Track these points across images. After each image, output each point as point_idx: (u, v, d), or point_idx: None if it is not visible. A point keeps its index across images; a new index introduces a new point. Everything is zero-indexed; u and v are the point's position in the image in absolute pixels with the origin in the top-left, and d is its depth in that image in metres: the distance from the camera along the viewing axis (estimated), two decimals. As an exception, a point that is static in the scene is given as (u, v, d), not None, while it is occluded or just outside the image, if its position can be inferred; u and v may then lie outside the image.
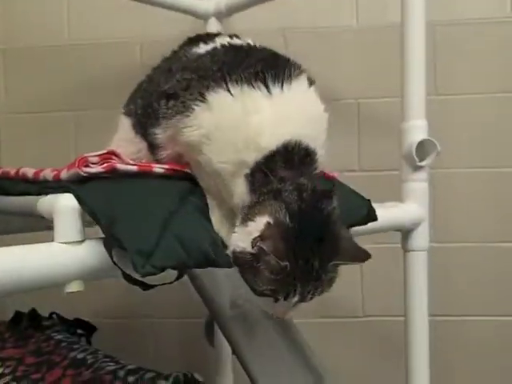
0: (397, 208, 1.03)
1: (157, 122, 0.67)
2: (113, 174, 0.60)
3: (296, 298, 0.59)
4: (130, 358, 1.10)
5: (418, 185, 1.04)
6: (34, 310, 1.21)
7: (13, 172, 0.73)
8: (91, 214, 0.54)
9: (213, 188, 0.65)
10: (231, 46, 0.72)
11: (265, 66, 0.63)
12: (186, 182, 0.65)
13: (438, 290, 1.17)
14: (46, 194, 0.57)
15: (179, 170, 0.66)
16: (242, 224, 0.59)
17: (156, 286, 0.58)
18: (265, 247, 0.55)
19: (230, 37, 0.77)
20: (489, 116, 1.44)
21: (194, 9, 1.35)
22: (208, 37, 0.78)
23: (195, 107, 0.61)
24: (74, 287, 0.53)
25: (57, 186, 0.57)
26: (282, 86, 0.62)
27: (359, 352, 1.50)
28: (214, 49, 0.72)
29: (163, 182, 0.64)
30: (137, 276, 0.54)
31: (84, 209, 0.54)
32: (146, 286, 0.57)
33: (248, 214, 0.59)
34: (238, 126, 0.60)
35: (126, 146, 0.76)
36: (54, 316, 1.26)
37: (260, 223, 0.57)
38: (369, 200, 0.83)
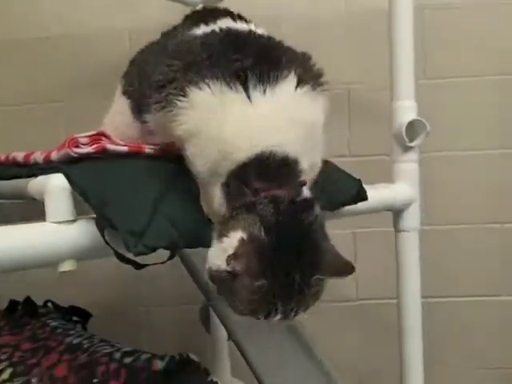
0: (388, 189, 1.04)
1: (148, 109, 0.67)
2: (103, 155, 0.60)
3: (278, 317, 0.56)
4: (125, 345, 1.10)
5: (408, 165, 1.05)
6: (28, 298, 1.21)
7: (3, 157, 0.73)
8: (82, 194, 0.54)
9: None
10: (229, 32, 0.68)
11: (253, 63, 0.60)
12: (177, 163, 0.65)
13: (430, 272, 1.18)
14: (37, 175, 0.57)
15: (170, 151, 0.66)
16: (218, 240, 0.56)
17: (148, 265, 0.58)
18: (238, 267, 0.53)
19: (234, 19, 0.74)
20: (479, 99, 1.45)
21: (182, -4, 1.34)
22: (212, 15, 0.74)
23: (178, 102, 0.59)
24: (66, 266, 0.53)
25: (47, 167, 0.57)
26: (265, 88, 0.59)
27: (353, 336, 1.52)
28: (212, 32, 0.68)
29: (154, 163, 0.64)
30: (129, 255, 0.54)
31: (74, 189, 0.54)
32: (138, 265, 0.57)
33: (223, 230, 0.56)
34: (213, 132, 0.58)
35: (125, 131, 0.75)
36: (49, 304, 1.26)
37: (234, 239, 0.54)
38: (359, 180, 0.83)
